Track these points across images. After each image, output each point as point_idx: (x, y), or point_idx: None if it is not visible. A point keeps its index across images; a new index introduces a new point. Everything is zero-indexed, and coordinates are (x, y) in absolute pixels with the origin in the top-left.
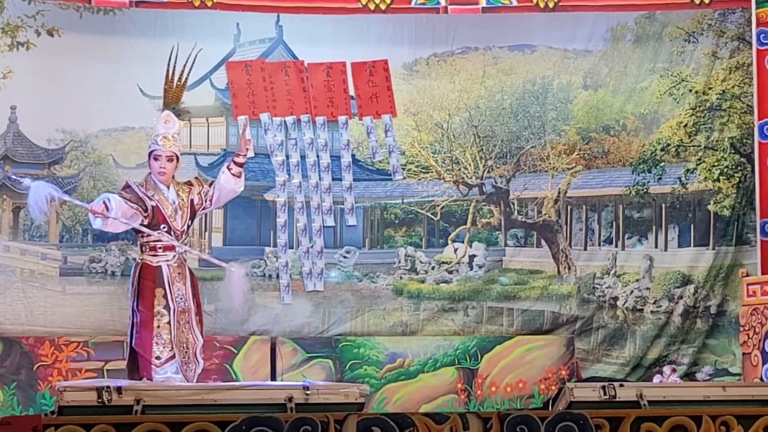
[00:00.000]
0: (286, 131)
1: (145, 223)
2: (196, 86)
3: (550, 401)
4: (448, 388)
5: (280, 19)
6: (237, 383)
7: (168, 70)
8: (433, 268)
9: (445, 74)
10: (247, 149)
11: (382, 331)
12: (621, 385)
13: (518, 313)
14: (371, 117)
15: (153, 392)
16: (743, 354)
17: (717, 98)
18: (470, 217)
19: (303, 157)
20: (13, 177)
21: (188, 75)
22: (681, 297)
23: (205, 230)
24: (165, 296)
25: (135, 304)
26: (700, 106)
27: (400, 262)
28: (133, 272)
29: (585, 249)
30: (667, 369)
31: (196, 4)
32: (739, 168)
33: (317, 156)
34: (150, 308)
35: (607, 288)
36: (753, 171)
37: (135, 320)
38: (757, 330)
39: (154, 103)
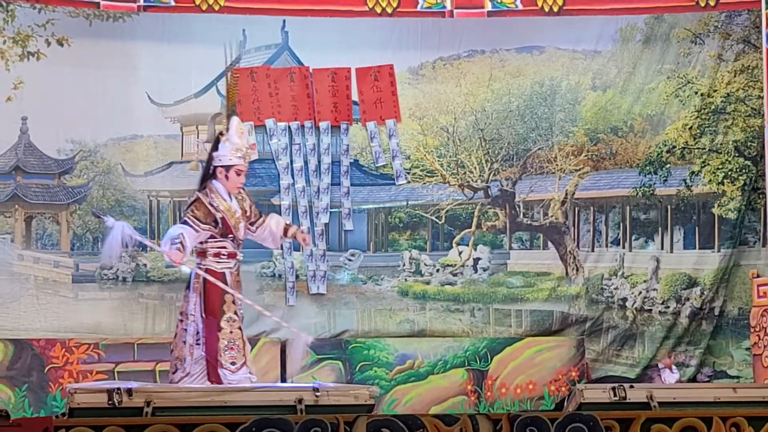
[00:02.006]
0: (290, 136)
1: (217, 235)
2: (203, 93)
3: (564, 402)
4: (458, 389)
5: (286, 25)
6: (247, 385)
7: (227, 72)
8: (437, 270)
9: (452, 78)
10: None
11: (390, 330)
12: (631, 387)
13: (527, 314)
14: (375, 122)
15: (163, 394)
16: (754, 355)
17: (722, 101)
18: (475, 220)
19: (306, 162)
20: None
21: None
22: (687, 299)
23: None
24: (234, 302)
25: (200, 310)
26: (704, 109)
27: (404, 264)
28: (195, 278)
29: (592, 250)
30: (661, 365)
31: (204, 8)
32: (744, 171)
33: (319, 161)
34: (216, 314)
35: (615, 289)
36: (759, 173)
37: (187, 326)
38: (767, 331)
39: (163, 110)
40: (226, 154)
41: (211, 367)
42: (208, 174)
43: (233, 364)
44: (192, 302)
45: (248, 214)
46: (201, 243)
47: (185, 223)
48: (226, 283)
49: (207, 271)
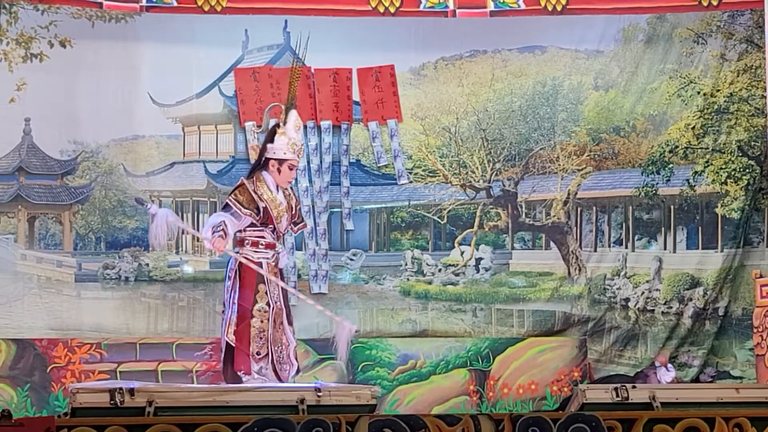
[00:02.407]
0: None
1: (257, 223)
2: (205, 94)
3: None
4: (460, 389)
5: (288, 25)
6: (249, 385)
7: (292, 65)
8: (439, 270)
9: (453, 78)
10: None
11: (392, 330)
12: (634, 387)
13: (529, 314)
14: (377, 122)
15: (165, 394)
16: (756, 356)
17: (725, 101)
18: (477, 220)
19: (309, 162)
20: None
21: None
22: (690, 299)
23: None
24: (267, 293)
25: (234, 297)
26: (707, 109)
27: (406, 264)
28: (233, 265)
29: (595, 250)
30: (656, 363)
31: (206, 9)
32: (747, 171)
33: (321, 160)
34: (250, 302)
35: (617, 289)
36: (763, 173)
37: (230, 314)
38: None
39: (164, 111)
40: (281, 148)
41: (240, 355)
42: (260, 164)
43: (258, 354)
44: (228, 291)
45: (293, 212)
46: (240, 232)
47: (226, 207)
48: (261, 273)
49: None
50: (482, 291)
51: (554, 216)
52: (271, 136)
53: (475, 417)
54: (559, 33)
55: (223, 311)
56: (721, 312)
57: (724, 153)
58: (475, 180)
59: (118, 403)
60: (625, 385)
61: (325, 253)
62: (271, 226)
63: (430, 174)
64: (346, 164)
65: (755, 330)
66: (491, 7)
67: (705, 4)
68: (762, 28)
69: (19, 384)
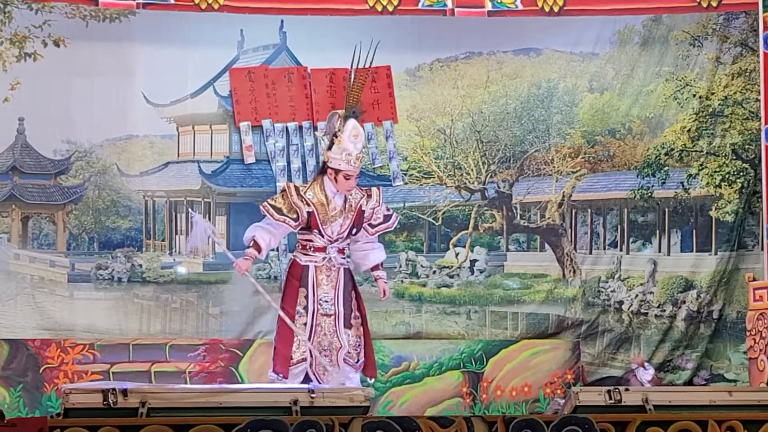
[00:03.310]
0: (287, 137)
1: (296, 229)
2: (200, 93)
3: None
4: (454, 391)
5: (284, 25)
6: (242, 386)
7: (350, 69)
8: (434, 272)
9: (449, 80)
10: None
11: (385, 332)
12: (626, 390)
13: (523, 316)
14: (372, 123)
15: (158, 395)
16: (749, 359)
17: (719, 104)
18: (472, 222)
19: (304, 163)
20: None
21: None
22: (684, 302)
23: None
24: (306, 297)
25: (280, 301)
26: (703, 111)
27: (400, 266)
28: (287, 269)
29: (590, 253)
30: (633, 364)
31: (203, 6)
32: (741, 174)
33: (317, 162)
34: (292, 306)
35: (612, 292)
36: (757, 176)
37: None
38: (763, 335)
39: (159, 111)
40: (336, 158)
41: (279, 358)
42: (323, 167)
43: (290, 358)
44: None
45: (369, 215)
46: (299, 233)
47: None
48: (307, 276)
49: (292, 263)
50: (477, 293)
51: (549, 218)
52: (330, 144)
53: (468, 419)
54: (555, 35)
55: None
56: (715, 315)
57: (718, 156)
58: (470, 182)
59: (111, 404)
60: (618, 388)
61: None
62: (315, 230)
63: (425, 175)
64: None
65: (748, 333)
66: (489, 6)
67: (704, 5)
68: (756, 32)
69: (12, 384)
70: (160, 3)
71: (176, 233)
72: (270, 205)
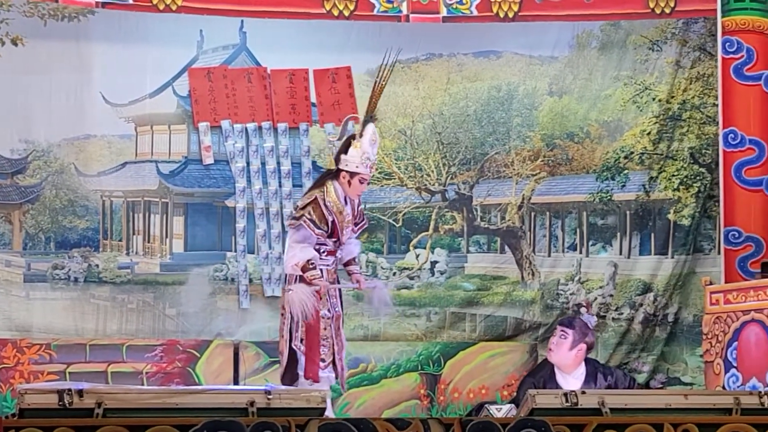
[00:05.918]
0: (246, 138)
1: (323, 238)
2: (159, 93)
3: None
4: (411, 393)
5: (244, 25)
6: (199, 387)
7: (378, 76)
8: (394, 274)
9: (410, 81)
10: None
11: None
12: (583, 393)
13: (481, 318)
14: (333, 124)
15: (114, 395)
16: (705, 362)
17: (678, 108)
18: (432, 223)
19: (263, 164)
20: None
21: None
22: (641, 305)
23: (166, 236)
24: (328, 300)
25: (289, 308)
26: (662, 115)
27: (361, 268)
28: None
29: (549, 255)
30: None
31: (161, 7)
32: (698, 178)
33: (278, 163)
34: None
35: (570, 294)
36: (713, 180)
37: (289, 322)
38: (719, 338)
39: (117, 110)
40: (355, 161)
41: (309, 363)
42: (331, 173)
43: (323, 361)
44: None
45: (356, 219)
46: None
47: (299, 229)
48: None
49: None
50: (437, 294)
51: (509, 220)
52: (345, 147)
53: (425, 421)
54: (514, 38)
55: (282, 314)
56: (671, 318)
57: (676, 160)
58: (430, 183)
59: (67, 405)
60: (574, 391)
61: (278, 256)
62: (335, 238)
63: (386, 176)
64: (309, 166)
65: (704, 337)
66: (444, 12)
67: (658, 11)
68: (714, 37)
69: None
70: (119, 3)
71: (133, 233)
72: (309, 219)
